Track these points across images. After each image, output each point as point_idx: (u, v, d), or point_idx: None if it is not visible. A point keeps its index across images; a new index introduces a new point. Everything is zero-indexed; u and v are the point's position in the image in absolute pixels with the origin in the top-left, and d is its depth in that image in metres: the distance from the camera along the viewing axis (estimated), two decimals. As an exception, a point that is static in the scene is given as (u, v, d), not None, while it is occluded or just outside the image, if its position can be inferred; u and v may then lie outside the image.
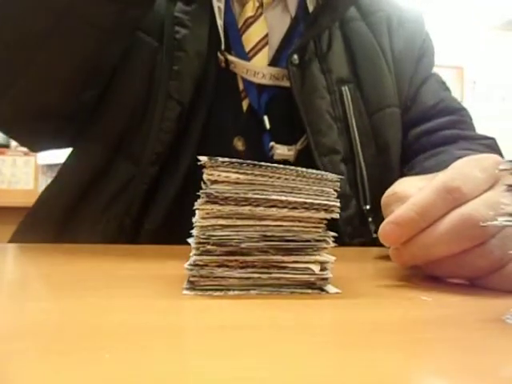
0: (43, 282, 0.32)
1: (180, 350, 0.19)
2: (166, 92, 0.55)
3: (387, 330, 0.22)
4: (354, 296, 0.29)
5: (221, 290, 0.28)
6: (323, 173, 0.30)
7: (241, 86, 0.61)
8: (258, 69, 0.60)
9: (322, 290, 0.30)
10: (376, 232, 0.60)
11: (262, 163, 0.28)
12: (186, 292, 0.28)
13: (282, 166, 0.29)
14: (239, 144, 0.60)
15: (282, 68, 0.61)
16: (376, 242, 0.61)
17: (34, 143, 0.64)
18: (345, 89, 0.63)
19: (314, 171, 0.30)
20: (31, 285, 0.31)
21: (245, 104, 0.61)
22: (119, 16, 0.49)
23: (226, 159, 0.28)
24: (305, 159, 0.59)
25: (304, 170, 0.29)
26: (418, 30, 0.72)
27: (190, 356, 0.18)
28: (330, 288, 0.30)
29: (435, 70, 0.74)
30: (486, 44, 3.16)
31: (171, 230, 0.53)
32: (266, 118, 0.60)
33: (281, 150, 0.59)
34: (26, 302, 0.26)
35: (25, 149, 2.11)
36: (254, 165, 0.28)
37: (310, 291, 0.29)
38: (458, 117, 0.68)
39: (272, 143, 0.59)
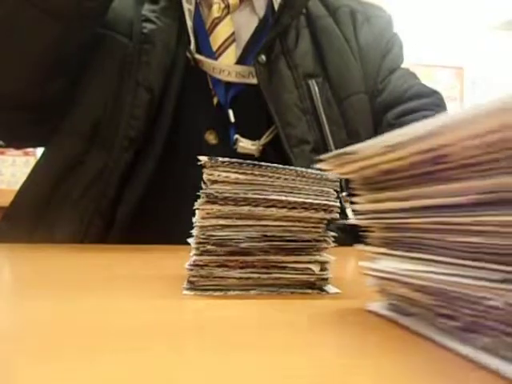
0: (40, 282, 0.32)
1: (180, 349, 0.19)
2: (135, 80, 0.58)
3: (387, 330, 0.22)
4: (354, 296, 0.29)
5: (221, 290, 0.28)
6: (323, 173, 0.30)
7: (210, 83, 0.63)
8: (224, 67, 0.63)
9: (322, 290, 0.30)
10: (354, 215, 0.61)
11: (262, 163, 0.28)
12: (186, 292, 0.28)
13: (281, 166, 0.29)
14: (211, 137, 0.62)
15: (248, 66, 0.63)
16: (351, 226, 0.61)
17: (5, 136, 0.66)
18: (312, 82, 0.65)
19: (314, 171, 0.30)
20: (29, 284, 0.31)
21: (215, 100, 0.63)
22: (77, 6, 0.52)
23: (226, 159, 0.28)
24: (271, 153, 0.62)
25: (304, 169, 0.29)
26: (387, 27, 0.75)
27: (189, 356, 0.18)
28: (330, 288, 0.30)
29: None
30: (486, 44, 3.16)
31: (144, 215, 0.56)
32: (230, 112, 0.62)
33: (244, 144, 0.61)
34: (24, 302, 0.26)
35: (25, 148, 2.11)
36: (254, 165, 0.28)
37: (309, 291, 0.29)
38: (433, 99, 0.70)
39: (236, 136, 0.61)
